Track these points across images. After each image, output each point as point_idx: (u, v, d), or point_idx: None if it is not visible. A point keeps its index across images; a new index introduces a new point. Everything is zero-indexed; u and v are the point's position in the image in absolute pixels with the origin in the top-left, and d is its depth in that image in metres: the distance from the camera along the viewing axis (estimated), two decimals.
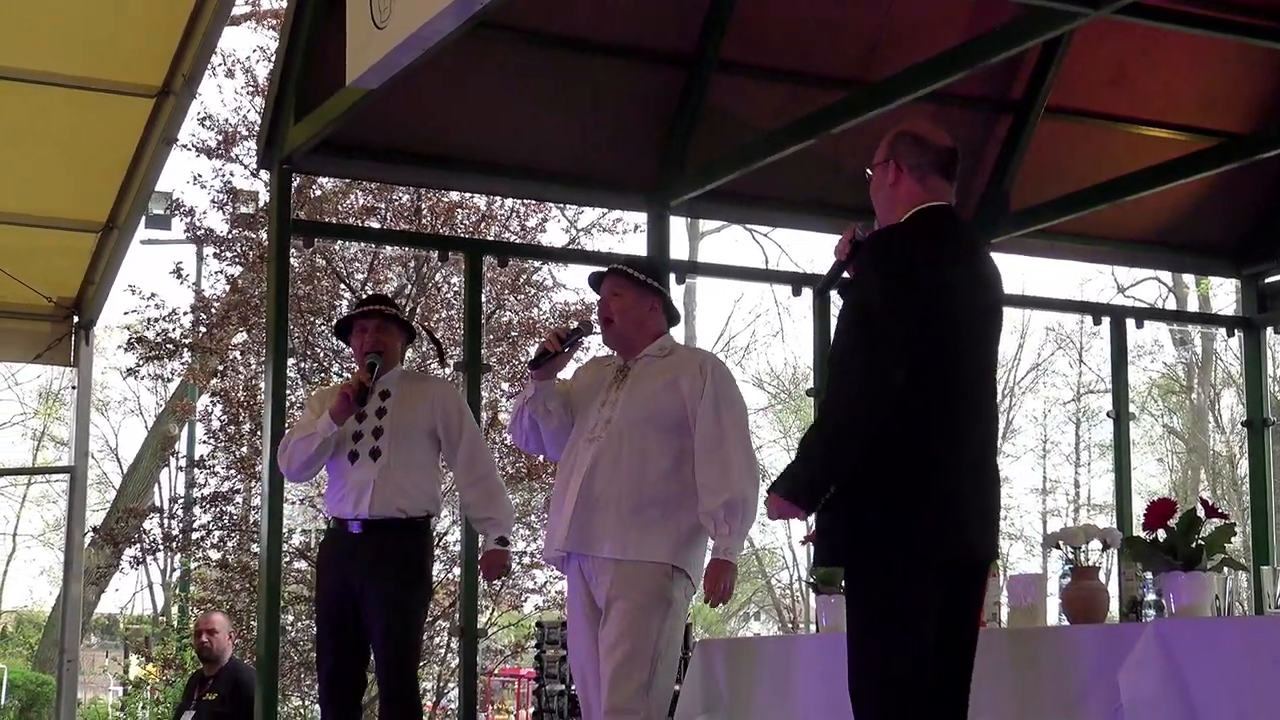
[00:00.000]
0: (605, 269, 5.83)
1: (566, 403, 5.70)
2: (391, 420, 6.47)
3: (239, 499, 14.56)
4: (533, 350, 14.04)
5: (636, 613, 5.36)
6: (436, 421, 6.52)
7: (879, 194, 4.74)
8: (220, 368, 14.96)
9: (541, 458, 13.61)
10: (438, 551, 14.01)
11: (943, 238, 4.61)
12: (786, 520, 4.37)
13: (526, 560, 14.63)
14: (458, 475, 6.67)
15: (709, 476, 5.44)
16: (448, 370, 9.94)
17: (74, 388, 9.85)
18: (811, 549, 5.50)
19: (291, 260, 9.46)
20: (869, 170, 4.78)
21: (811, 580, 6.44)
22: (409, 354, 9.07)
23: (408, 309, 14.21)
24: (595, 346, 7.38)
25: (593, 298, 6.21)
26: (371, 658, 6.46)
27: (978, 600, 4.65)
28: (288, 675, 13.57)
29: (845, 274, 4.73)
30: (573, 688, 7.68)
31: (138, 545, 15.84)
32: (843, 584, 4.72)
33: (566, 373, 5.88)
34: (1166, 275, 26.26)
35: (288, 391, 8.74)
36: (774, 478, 4.49)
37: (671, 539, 5.44)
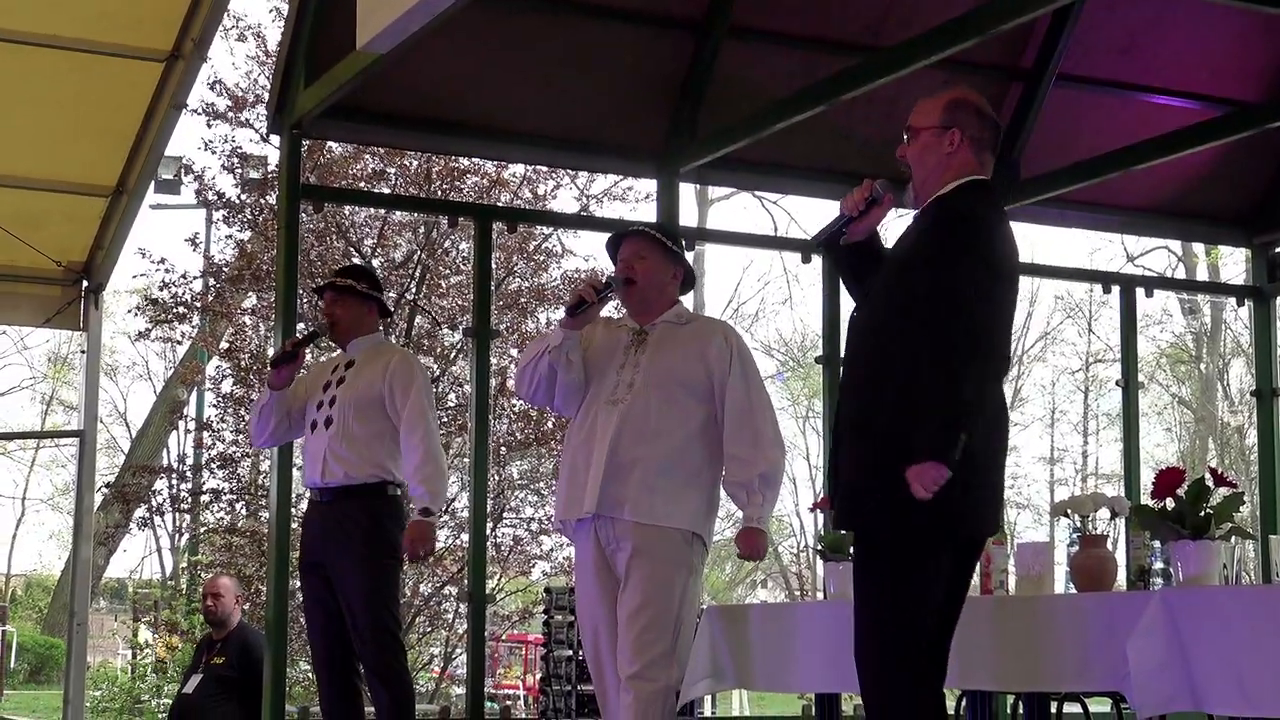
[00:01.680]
0: (629, 229, 5.81)
1: (582, 361, 5.66)
2: (345, 390, 6.55)
3: (247, 462, 14.58)
4: (548, 315, 14.09)
5: (659, 579, 5.37)
6: (383, 386, 6.52)
7: (928, 157, 4.67)
8: (230, 332, 14.97)
9: (550, 425, 13.74)
10: (445, 518, 14.04)
11: (1003, 212, 4.68)
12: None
13: (535, 526, 14.65)
14: (401, 434, 6.57)
15: (741, 447, 5.49)
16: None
17: (83, 352, 9.88)
18: (821, 515, 5.51)
19: (301, 225, 9.45)
20: (916, 129, 4.70)
21: (819, 548, 6.44)
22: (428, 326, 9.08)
23: (417, 274, 14.21)
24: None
25: (601, 263, 6.23)
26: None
27: (972, 571, 4.73)
28: (296, 639, 13.60)
29: (844, 229, 4.73)
30: (580, 653, 7.72)
31: (146, 506, 15.86)
32: (852, 549, 4.71)
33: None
34: (1176, 244, 26.26)
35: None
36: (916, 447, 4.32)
37: (693, 505, 5.46)
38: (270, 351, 11.18)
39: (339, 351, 6.87)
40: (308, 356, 6.86)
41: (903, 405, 4.37)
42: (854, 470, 4.55)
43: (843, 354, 4.77)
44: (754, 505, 5.50)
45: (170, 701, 16.07)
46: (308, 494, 6.82)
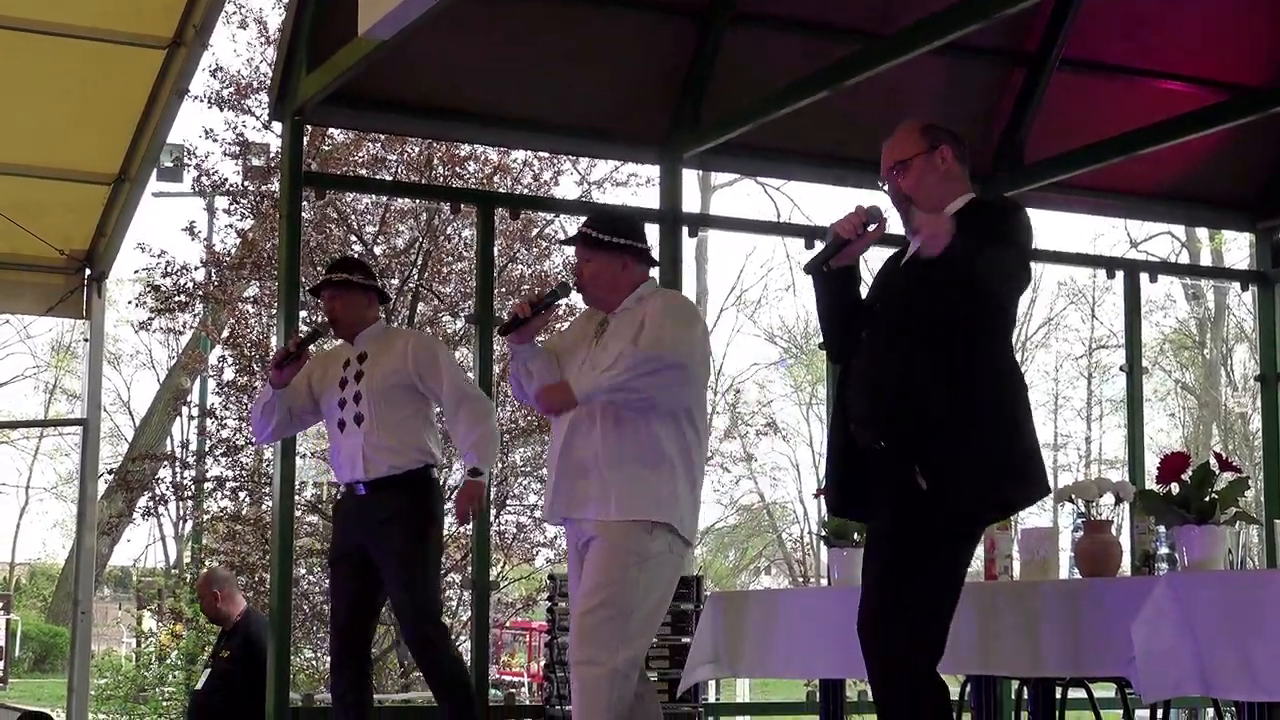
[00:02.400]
0: (574, 235, 5.71)
1: (551, 363, 5.58)
2: (367, 382, 6.56)
3: (251, 450, 14.58)
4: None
5: (610, 566, 5.29)
6: (410, 372, 6.55)
7: (927, 180, 4.79)
8: (232, 320, 14.97)
9: None
10: (447, 506, 14.05)
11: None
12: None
13: (538, 513, 14.65)
14: (444, 414, 6.68)
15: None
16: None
17: (86, 340, 9.87)
18: (823, 501, 5.48)
19: (303, 212, 9.45)
20: (904, 160, 4.82)
21: (823, 533, 6.43)
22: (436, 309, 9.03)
23: (419, 261, 14.20)
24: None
25: None
26: (386, 614, 6.55)
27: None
28: (300, 628, 13.61)
29: (832, 258, 4.77)
30: None
31: (149, 494, 15.87)
32: (867, 530, 4.75)
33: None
34: (1179, 230, 26.24)
35: None
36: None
37: (653, 495, 5.32)
38: (274, 342, 11.19)
39: (339, 343, 6.87)
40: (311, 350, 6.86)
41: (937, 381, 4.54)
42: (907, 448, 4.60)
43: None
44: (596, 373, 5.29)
45: (173, 690, 16.15)
46: (341, 487, 6.84)
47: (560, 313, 11.87)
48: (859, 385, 4.76)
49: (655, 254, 5.89)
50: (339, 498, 6.95)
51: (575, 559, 5.53)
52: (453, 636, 14.74)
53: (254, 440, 7.16)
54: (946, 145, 4.80)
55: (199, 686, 9.36)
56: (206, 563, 15.70)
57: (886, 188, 4.85)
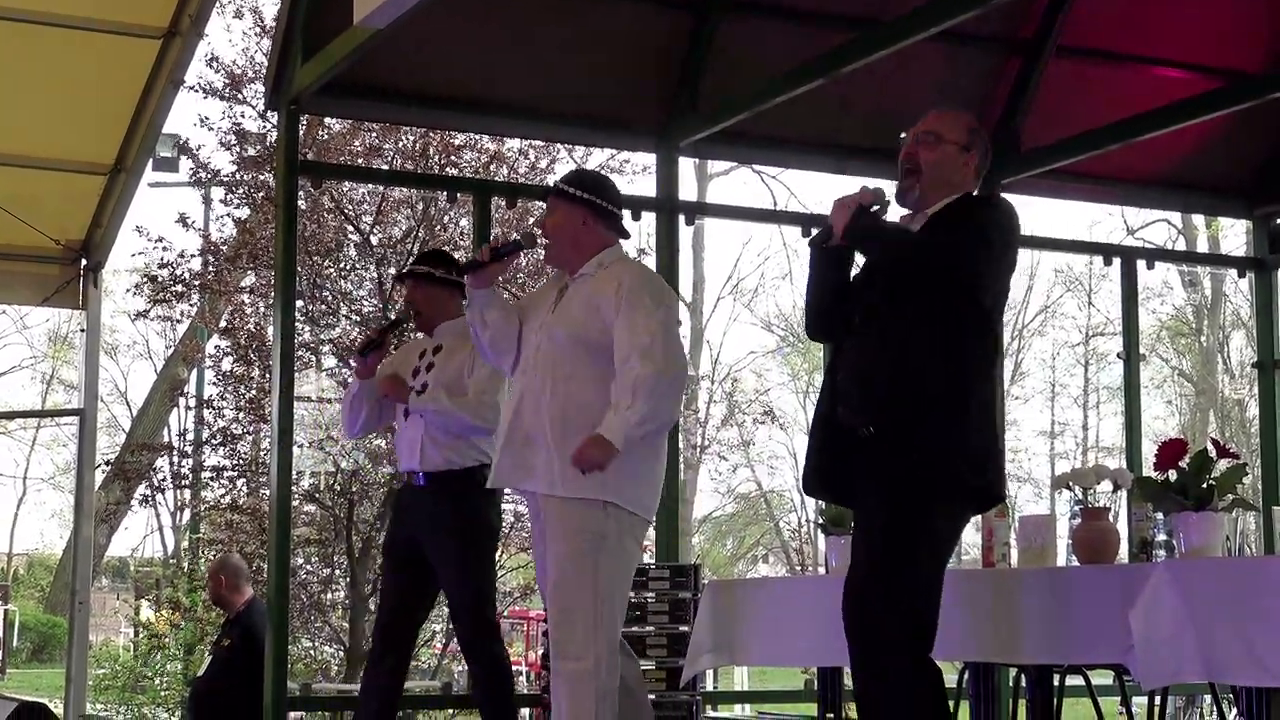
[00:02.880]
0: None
1: (510, 317, 5.51)
2: (435, 375, 6.54)
3: (249, 439, 14.57)
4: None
5: (572, 557, 5.22)
6: (466, 367, 6.52)
7: (945, 168, 4.81)
8: (229, 309, 14.95)
9: None
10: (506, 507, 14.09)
11: None
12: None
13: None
14: None
15: (619, 356, 5.23)
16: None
17: (83, 330, 9.86)
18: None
19: (299, 202, 9.45)
20: (942, 137, 4.82)
21: (820, 521, 6.44)
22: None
23: (415, 249, 14.18)
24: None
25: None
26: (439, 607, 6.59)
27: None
28: (298, 618, 13.61)
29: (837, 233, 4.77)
30: None
31: (147, 484, 15.86)
32: (859, 512, 4.75)
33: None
34: (1176, 217, 26.25)
35: (296, 334, 8.71)
36: None
37: (607, 472, 5.16)
38: (270, 331, 11.17)
39: (421, 335, 6.84)
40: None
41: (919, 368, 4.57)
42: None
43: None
44: (619, 415, 5.13)
45: (170, 680, 16.15)
46: (403, 477, 6.85)
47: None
48: (848, 371, 4.77)
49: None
50: (399, 487, 6.96)
51: (538, 531, 5.46)
52: (446, 626, 14.72)
53: (345, 435, 7.13)
54: (976, 154, 4.86)
55: (200, 674, 9.38)
56: (211, 552, 15.70)
57: (904, 139, 4.86)
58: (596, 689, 5.20)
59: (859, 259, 4.92)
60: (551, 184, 5.64)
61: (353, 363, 6.72)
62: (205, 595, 9.65)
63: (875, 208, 4.72)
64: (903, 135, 4.88)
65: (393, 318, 6.33)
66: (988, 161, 4.92)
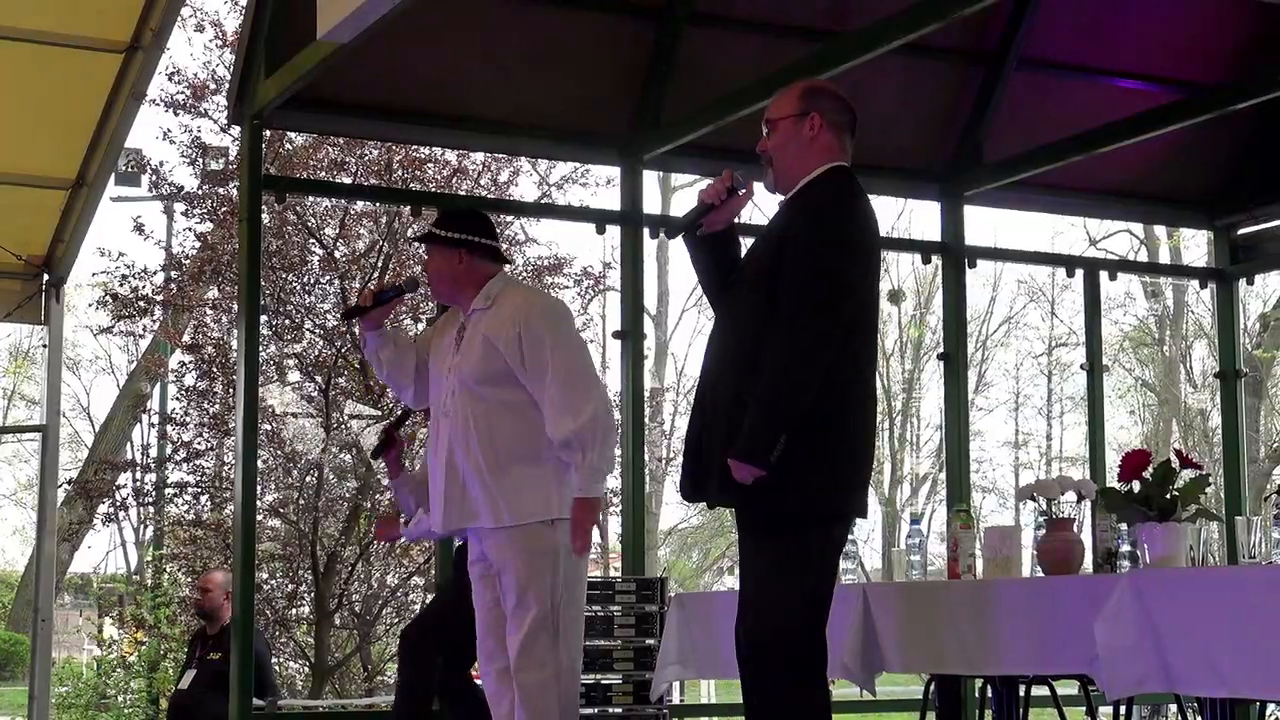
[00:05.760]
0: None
1: (405, 354, 5.67)
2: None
3: (212, 454, 14.52)
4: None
5: (530, 576, 5.32)
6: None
7: (790, 145, 4.74)
8: (192, 324, 14.90)
9: None
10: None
11: (867, 201, 4.72)
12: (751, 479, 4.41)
13: None
14: None
15: (548, 423, 5.35)
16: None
17: (45, 346, 9.80)
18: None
19: (263, 217, 9.42)
20: (774, 120, 4.79)
21: None
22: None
23: (379, 264, 14.16)
24: None
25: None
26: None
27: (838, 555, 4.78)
28: (265, 632, 13.57)
29: (702, 218, 4.79)
30: None
31: (110, 500, 15.78)
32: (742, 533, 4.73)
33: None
34: (1138, 228, 26.35)
35: (259, 348, 8.66)
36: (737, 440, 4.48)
37: (542, 491, 5.35)
38: (234, 346, 11.11)
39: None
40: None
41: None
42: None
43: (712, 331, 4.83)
44: (580, 473, 5.29)
45: (132, 697, 16.07)
46: None
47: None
48: (707, 372, 4.77)
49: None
50: None
51: (478, 574, 5.52)
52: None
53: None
54: (817, 113, 4.73)
55: (183, 686, 9.36)
56: (174, 568, 15.63)
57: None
58: (559, 695, 5.32)
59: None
60: (426, 229, 5.70)
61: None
62: (195, 601, 9.62)
63: (741, 191, 4.75)
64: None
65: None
66: (843, 115, 4.77)
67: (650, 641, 7.64)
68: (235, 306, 10.72)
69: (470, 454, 5.37)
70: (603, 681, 7.70)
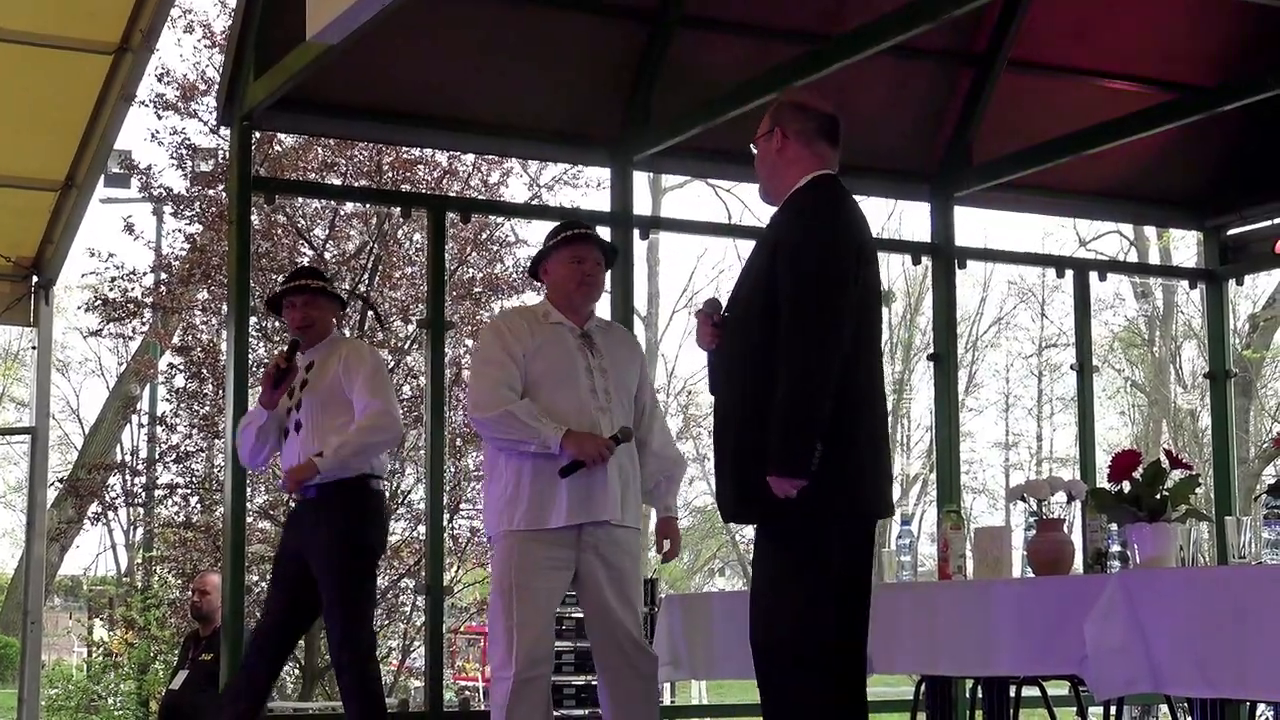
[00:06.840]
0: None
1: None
2: (309, 391, 6.53)
3: (202, 456, 14.51)
4: (501, 304, 14.07)
5: (492, 586, 5.82)
6: (343, 380, 6.47)
7: (764, 165, 4.89)
8: (182, 326, 14.88)
9: None
10: (402, 510, 14.01)
11: (852, 205, 4.74)
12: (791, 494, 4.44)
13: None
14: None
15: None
16: (380, 335, 9.90)
17: (34, 347, 9.79)
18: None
19: (252, 218, 9.41)
20: (754, 143, 4.91)
21: None
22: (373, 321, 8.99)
23: (370, 265, 14.17)
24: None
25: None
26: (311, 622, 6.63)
27: (870, 556, 4.78)
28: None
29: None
30: None
31: (99, 502, 15.77)
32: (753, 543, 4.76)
33: None
34: (1128, 229, 26.36)
35: (250, 350, 8.64)
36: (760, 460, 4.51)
37: (494, 508, 5.77)
38: (224, 348, 11.10)
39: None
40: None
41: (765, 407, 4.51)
42: (749, 461, 4.57)
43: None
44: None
45: (122, 699, 16.05)
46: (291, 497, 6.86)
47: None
48: (715, 391, 4.86)
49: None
50: (294, 504, 6.89)
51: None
52: (407, 642, 14.69)
53: (248, 465, 7.00)
54: (779, 128, 4.82)
55: (174, 687, 9.37)
56: (164, 570, 15.60)
57: None
58: (520, 695, 5.56)
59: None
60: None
61: (260, 390, 6.63)
62: (191, 603, 9.65)
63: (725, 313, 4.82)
64: None
65: (291, 341, 6.45)
66: (810, 122, 4.82)
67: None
68: (225, 308, 10.71)
69: None
70: (593, 682, 7.68)
